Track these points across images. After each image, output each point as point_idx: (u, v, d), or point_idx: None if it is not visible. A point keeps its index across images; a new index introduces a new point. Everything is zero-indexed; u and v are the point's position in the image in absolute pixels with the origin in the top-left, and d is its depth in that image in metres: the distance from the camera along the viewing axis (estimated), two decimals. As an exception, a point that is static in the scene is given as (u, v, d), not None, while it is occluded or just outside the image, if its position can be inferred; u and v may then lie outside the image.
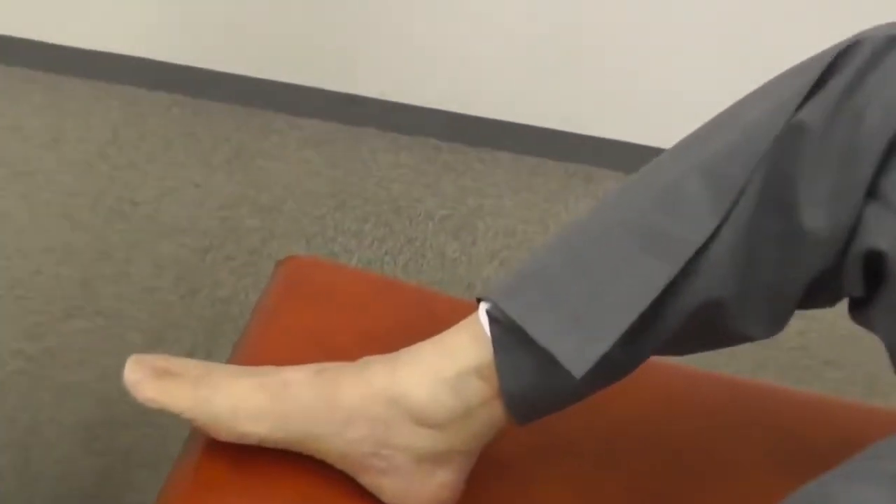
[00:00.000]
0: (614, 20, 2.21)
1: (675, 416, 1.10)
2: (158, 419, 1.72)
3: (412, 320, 1.09)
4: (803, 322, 1.99)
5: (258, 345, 1.07)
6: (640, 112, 2.26)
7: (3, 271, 1.94)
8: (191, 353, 1.80)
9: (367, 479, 0.96)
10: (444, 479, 0.95)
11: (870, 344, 0.99)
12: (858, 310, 0.92)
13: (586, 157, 2.29)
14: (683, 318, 0.90)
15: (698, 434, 1.08)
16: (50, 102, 2.28)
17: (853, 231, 0.87)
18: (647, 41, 2.22)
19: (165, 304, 1.90)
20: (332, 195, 2.12)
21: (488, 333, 0.90)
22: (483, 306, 0.91)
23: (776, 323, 0.93)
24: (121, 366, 1.65)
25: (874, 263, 0.87)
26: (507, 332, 0.89)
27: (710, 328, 0.92)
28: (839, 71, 0.87)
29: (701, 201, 0.87)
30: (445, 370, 0.91)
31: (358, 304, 1.11)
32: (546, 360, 0.87)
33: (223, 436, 0.95)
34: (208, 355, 1.78)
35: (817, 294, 0.92)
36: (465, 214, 2.13)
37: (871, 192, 0.86)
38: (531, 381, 0.90)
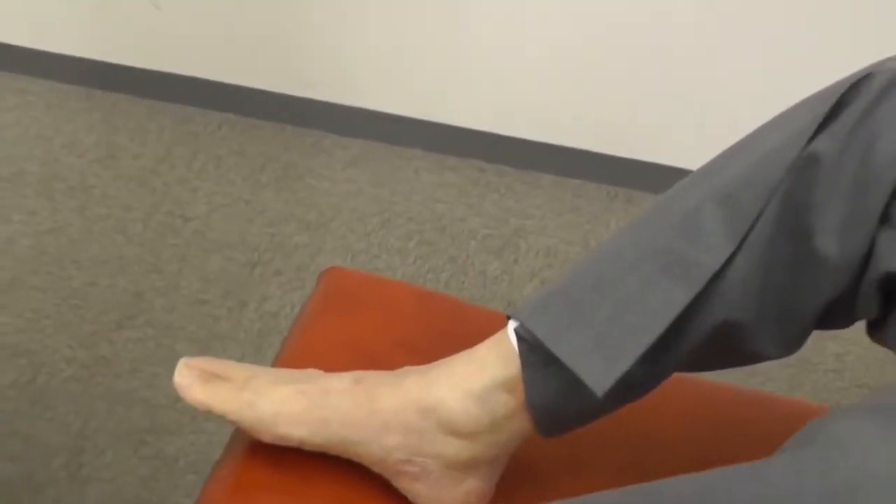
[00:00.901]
0: (658, 45, 2.24)
1: (707, 431, 1.12)
2: (204, 426, 1.78)
3: (449, 330, 1.13)
4: (841, 345, 2.01)
5: (299, 350, 1.11)
6: (680, 136, 2.29)
7: (61, 282, 2.00)
8: (237, 364, 1.84)
9: (401, 484, 1.00)
10: (472, 486, 0.99)
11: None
12: (875, 329, 0.95)
13: (627, 180, 2.32)
14: (701, 339, 0.93)
15: (729, 448, 1.11)
16: (105, 120, 2.34)
17: (867, 257, 0.90)
18: (690, 67, 2.25)
19: (214, 316, 1.95)
20: (377, 213, 2.16)
21: (516, 349, 0.95)
22: (512, 324, 0.96)
23: (792, 343, 0.97)
24: (170, 375, 1.70)
25: (890, 285, 0.90)
26: (533, 350, 0.93)
27: (728, 348, 0.96)
28: (851, 102, 0.90)
29: (718, 227, 0.91)
30: (475, 383, 0.96)
31: (396, 314, 1.15)
32: (570, 378, 0.91)
33: (265, 438, 0.99)
34: (254, 366, 1.82)
35: (833, 316, 0.95)
36: (508, 234, 2.16)
37: (884, 219, 0.89)
38: (556, 397, 0.95)
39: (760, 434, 1.13)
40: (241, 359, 1.85)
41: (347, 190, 2.20)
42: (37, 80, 2.42)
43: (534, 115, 2.33)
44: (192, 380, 1.00)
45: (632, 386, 0.93)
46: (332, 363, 1.06)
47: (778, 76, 2.21)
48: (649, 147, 2.31)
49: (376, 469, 1.00)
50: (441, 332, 1.12)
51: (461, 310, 1.18)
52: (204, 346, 1.89)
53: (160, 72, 2.40)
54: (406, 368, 1.01)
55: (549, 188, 2.26)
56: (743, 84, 2.25)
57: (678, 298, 0.90)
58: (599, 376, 0.90)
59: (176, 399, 1.77)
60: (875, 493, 0.68)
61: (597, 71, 2.27)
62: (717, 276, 0.91)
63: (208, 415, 1.00)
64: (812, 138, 0.90)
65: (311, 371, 1.05)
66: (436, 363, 0.99)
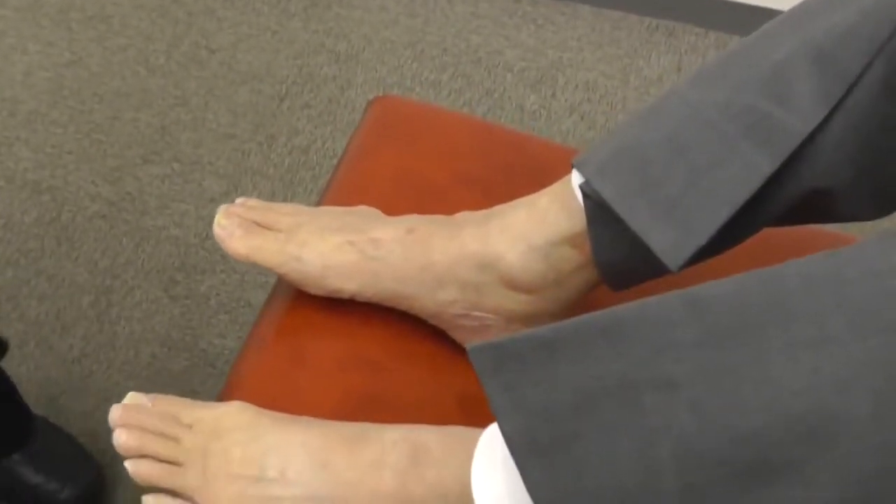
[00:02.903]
0: None
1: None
2: (236, 265, 1.72)
3: (509, 163, 1.06)
4: None
5: (350, 185, 1.05)
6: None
7: (81, 115, 1.93)
8: (270, 201, 1.78)
9: (458, 336, 0.95)
10: None
11: None
12: None
13: (668, 11, 2.23)
14: (785, 207, 0.85)
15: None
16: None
17: None
18: None
19: (243, 151, 1.88)
20: (410, 45, 2.08)
21: (581, 204, 0.87)
22: (576, 176, 0.88)
23: (887, 209, 0.88)
24: (199, 212, 1.65)
25: None
26: (600, 208, 0.85)
27: (817, 212, 0.88)
28: None
29: (810, 87, 0.81)
30: (537, 237, 0.89)
31: (452, 145, 1.08)
32: (641, 242, 0.83)
33: (315, 291, 0.94)
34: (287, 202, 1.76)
35: None
36: (545, 67, 2.08)
37: None
38: (626, 255, 0.87)
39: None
40: (271, 195, 1.80)
41: (379, 19, 2.11)
42: None
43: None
44: (232, 229, 0.94)
45: (710, 247, 0.84)
46: (386, 199, 1.00)
47: None
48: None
49: (433, 321, 0.95)
50: (502, 165, 1.05)
51: (522, 141, 1.11)
52: (233, 182, 1.83)
53: None
54: (463, 214, 0.94)
55: (588, 19, 2.16)
56: None
57: (762, 166, 0.81)
58: (673, 249, 0.82)
59: (206, 237, 1.74)
60: None
61: None
62: (808, 141, 0.81)
63: (253, 266, 0.93)
64: None
65: (363, 209, 0.98)
66: (494, 210, 0.92)
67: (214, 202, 1.79)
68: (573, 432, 0.65)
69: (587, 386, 0.65)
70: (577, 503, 0.66)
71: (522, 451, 0.67)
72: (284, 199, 1.80)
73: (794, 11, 0.86)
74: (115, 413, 0.84)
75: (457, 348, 0.95)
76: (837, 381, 0.61)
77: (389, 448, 0.79)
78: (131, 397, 0.85)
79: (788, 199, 0.85)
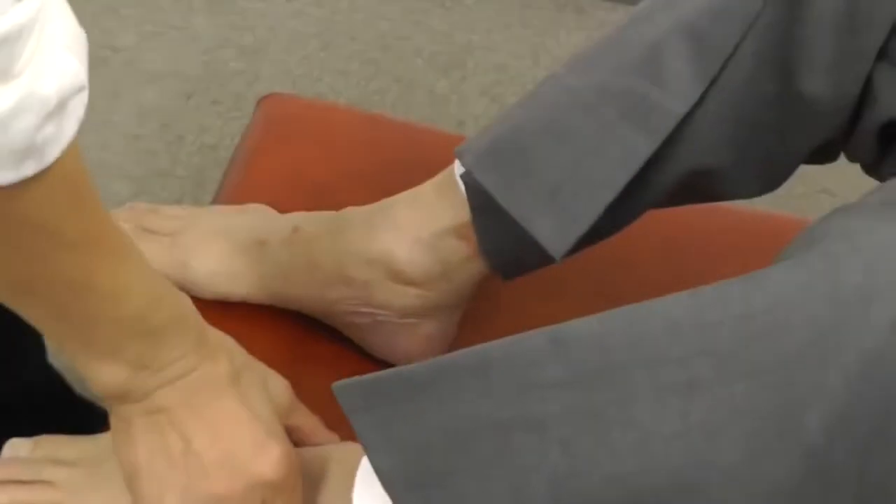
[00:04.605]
0: None
1: (673, 247, 1.07)
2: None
3: (398, 155, 1.06)
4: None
5: (240, 185, 1.04)
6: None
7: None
8: (179, 202, 1.77)
9: (353, 334, 0.94)
10: (430, 330, 0.93)
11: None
12: (869, 170, 0.87)
13: (577, -12, 2.23)
14: (669, 186, 0.85)
15: (697, 263, 1.06)
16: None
17: (862, 99, 0.81)
18: None
19: (151, 151, 1.86)
20: (316, 34, 2.06)
21: (465, 195, 0.87)
22: (458, 167, 0.87)
23: (772, 184, 0.89)
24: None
25: (892, 129, 0.82)
26: (483, 198, 0.85)
27: (699, 192, 0.88)
28: None
29: (684, 66, 0.81)
30: (423, 230, 0.88)
31: (342, 141, 1.07)
32: (525, 231, 0.83)
33: (206, 296, 0.93)
34: (196, 203, 1.74)
35: (818, 156, 0.88)
36: (455, 51, 2.07)
37: (882, 55, 0.80)
38: (511, 244, 0.87)
39: (729, 249, 1.08)
40: (181, 196, 1.78)
41: (284, 10, 2.10)
42: None
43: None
44: None
45: (593, 232, 0.84)
46: (276, 198, 0.99)
47: None
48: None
49: (327, 321, 0.95)
50: (393, 159, 1.05)
51: (412, 133, 1.11)
52: (142, 184, 1.81)
53: None
54: (349, 210, 0.93)
55: (496, 1, 2.16)
56: None
57: (641, 147, 0.81)
58: (555, 236, 0.81)
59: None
60: (890, 293, 0.59)
61: None
62: (686, 120, 0.81)
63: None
64: None
65: (253, 207, 0.97)
66: (380, 204, 0.92)
67: (123, 205, 1.76)
68: (448, 469, 0.65)
69: (458, 425, 0.65)
70: None
71: (398, 487, 0.66)
72: (195, 199, 1.78)
73: None
74: None
75: (354, 348, 0.95)
76: (707, 427, 0.61)
77: None
78: (10, 447, 0.81)
79: (671, 180, 0.85)
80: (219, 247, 0.91)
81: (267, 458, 0.73)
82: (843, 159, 0.89)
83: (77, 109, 0.58)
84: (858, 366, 0.59)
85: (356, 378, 0.68)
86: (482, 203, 0.85)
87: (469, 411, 0.65)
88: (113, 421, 0.73)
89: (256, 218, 0.94)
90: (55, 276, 0.63)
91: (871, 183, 1.84)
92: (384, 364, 0.94)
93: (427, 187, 0.90)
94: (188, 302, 0.73)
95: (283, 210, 0.96)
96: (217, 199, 1.04)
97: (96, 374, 0.69)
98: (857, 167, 0.89)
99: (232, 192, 1.04)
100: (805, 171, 0.89)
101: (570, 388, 0.63)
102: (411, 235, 0.88)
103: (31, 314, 0.66)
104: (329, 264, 0.90)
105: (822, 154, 0.87)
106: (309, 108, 1.13)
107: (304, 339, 0.94)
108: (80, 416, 1.34)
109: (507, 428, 0.64)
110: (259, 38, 2.04)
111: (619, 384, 0.62)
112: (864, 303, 0.59)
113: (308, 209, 0.95)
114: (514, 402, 0.64)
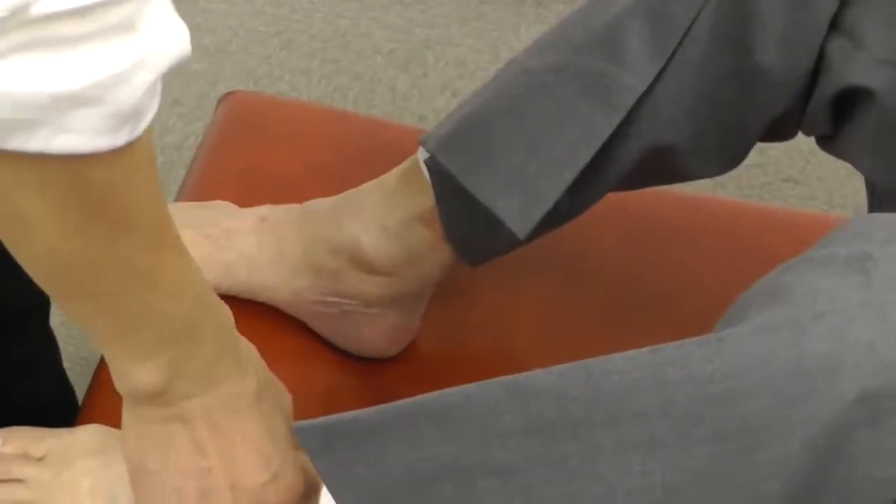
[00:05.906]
0: None
1: (637, 236, 1.08)
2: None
3: (362, 150, 1.07)
4: (761, 138, 1.97)
5: (204, 182, 1.05)
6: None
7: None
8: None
9: (318, 326, 0.94)
10: (397, 320, 0.93)
11: (828, 159, 0.96)
12: (826, 143, 0.89)
13: (535, -19, 2.24)
14: (630, 164, 0.86)
15: (661, 252, 1.07)
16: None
17: (816, 70, 0.83)
18: None
19: (113, 153, 1.85)
20: (277, 33, 2.06)
21: (429, 180, 0.87)
22: (422, 153, 0.88)
23: (733, 161, 0.90)
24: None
25: (844, 100, 0.83)
26: (447, 183, 0.86)
27: (661, 171, 0.89)
28: None
29: (642, 43, 0.82)
30: (388, 218, 0.89)
31: (305, 137, 1.08)
32: (490, 213, 0.84)
33: None
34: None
35: (776, 132, 0.89)
36: (414, 46, 2.08)
37: (834, 26, 0.81)
38: (477, 229, 0.88)
39: (695, 236, 1.09)
40: (145, 196, 1.77)
41: (244, 10, 2.10)
42: None
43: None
44: None
45: (558, 214, 0.85)
46: (240, 195, 1.00)
47: None
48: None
49: (292, 312, 0.95)
50: (356, 153, 1.06)
51: (374, 127, 1.11)
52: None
53: None
54: (314, 201, 0.93)
55: (455, -5, 2.17)
56: None
57: (600, 125, 0.82)
58: (520, 216, 0.82)
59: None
60: (854, 364, 0.58)
61: None
62: (645, 97, 0.82)
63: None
64: None
65: (217, 203, 0.98)
66: (345, 194, 0.92)
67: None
68: None
69: (420, 467, 0.66)
70: None
71: None
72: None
73: None
74: None
75: (319, 341, 0.95)
76: (667, 487, 0.61)
77: None
78: None
79: (632, 158, 0.86)
80: (185, 236, 0.91)
81: (274, 488, 0.73)
82: (804, 148, 0.90)
83: (160, 83, 0.57)
84: (825, 440, 0.59)
85: (316, 420, 0.68)
86: (446, 188, 0.86)
87: (432, 454, 0.65)
88: (127, 416, 0.73)
89: (223, 211, 0.95)
90: (123, 262, 0.62)
91: (832, 171, 1.86)
92: (350, 360, 0.94)
93: (392, 176, 0.90)
94: (229, 313, 0.73)
95: (244, 206, 0.96)
96: (179, 197, 1.05)
97: (131, 375, 0.69)
98: (819, 157, 0.90)
99: (194, 189, 1.05)
100: (768, 159, 0.90)
101: (531, 436, 0.63)
102: (377, 223, 0.89)
103: (83, 309, 0.65)
104: (296, 252, 0.90)
105: (779, 130, 0.88)
106: (270, 104, 1.14)
107: (269, 335, 0.94)
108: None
109: (472, 472, 0.64)
110: (220, 37, 2.04)
111: (581, 437, 0.62)
112: (829, 374, 0.59)
113: (272, 204, 0.96)
114: (475, 448, 0.64)
